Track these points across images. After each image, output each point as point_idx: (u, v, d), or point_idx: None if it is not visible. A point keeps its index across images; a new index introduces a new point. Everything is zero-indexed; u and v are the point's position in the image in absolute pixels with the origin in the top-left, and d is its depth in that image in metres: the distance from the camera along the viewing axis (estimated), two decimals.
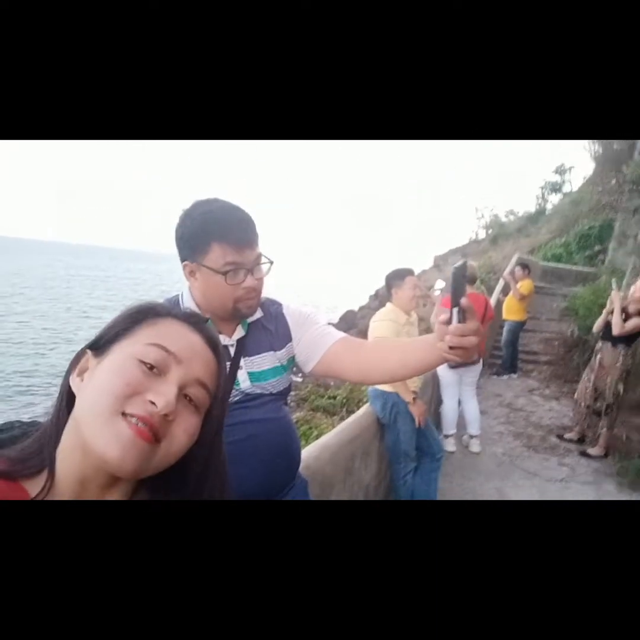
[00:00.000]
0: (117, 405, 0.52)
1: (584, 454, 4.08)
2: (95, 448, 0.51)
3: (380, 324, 2.79)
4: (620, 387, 3.92)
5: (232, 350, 1.12)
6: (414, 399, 2.74)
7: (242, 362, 1.12)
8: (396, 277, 2.86)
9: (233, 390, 1.09)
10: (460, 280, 0.85)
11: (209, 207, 1.05)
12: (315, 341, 1.17)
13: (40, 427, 0.58)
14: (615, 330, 3.82)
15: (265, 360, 1.15)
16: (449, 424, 4.07)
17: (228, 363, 1.07)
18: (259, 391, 1.14)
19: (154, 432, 0.52)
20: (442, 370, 3.95)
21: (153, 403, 0.52)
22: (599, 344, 4.13)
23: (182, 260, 1.08)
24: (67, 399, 0.57)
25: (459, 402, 4.12)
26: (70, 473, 0.54)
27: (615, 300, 3.86)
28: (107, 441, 0.51)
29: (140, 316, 0.58)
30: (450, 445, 4.00)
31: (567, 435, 4.45)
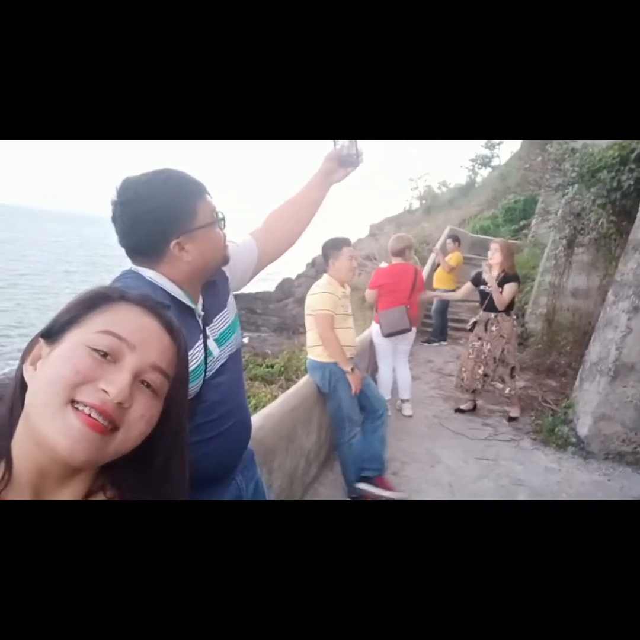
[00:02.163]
0: (66, 394, 0.50)
1: (510, 419, 4.29)
2: (45, 439, 0.50)
3: (320, 297, 2.81)
4: (517, 353, 4.30)
5: (201, 321, 1.05)
6: (352, 368, 2.83)
7: (208, 330, 1.07)
8: (333, 248, 2.85)
9: (210, 363, 1.04)
10: None
11: (164, 175, 0.97)
12: (245, 260, 1.23)
13: None
14: (500, 305, 3.99)
15: (221, 320, 1.12)
16: (385, 390, 4.21)
17: (200, 334, 1.03)
18: (226, 355, 1.11)
19: (109, 420, 0.51)
20: (378, 339, 4.07)
21: (105, 391, 0.51)
22: (485, 314, 4.19)
23: (165, 240, 0.96)
24: (21, 389, 0.54)
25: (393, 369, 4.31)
26: (27, 464, 0.52)
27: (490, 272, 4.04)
28: (56, 432, 0.49)
29: (92, 302, 0.56)
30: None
31: (463, 406, 4.52)
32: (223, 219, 1.04)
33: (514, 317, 4.19)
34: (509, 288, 4.00)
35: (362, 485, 2.87)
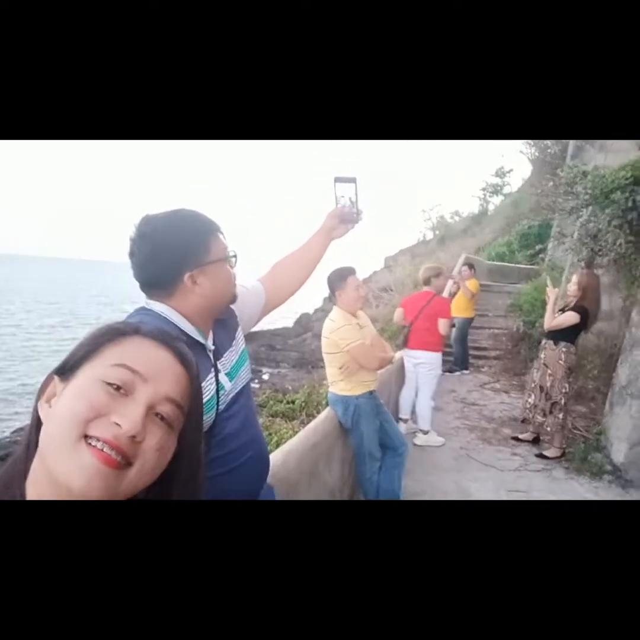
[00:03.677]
0: (80, 430, 0.50)
1: (541, 456, 4.04)
2: (59, 477, 0.49)
3: (342, 332, 2.75)
4: (567, 386, 3.90)
5: (211, 355, 1.09)
6: (390, 357, 2.89)
7: (219, 365, 1.10)
8: (337, 279, 2.81)
9: (222, 396, 1.06)
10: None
11: (181, 213, 1.04)
12: (254, 302, 1.31)
13: (10, 458, 0.55)
14: (546, 324, 3.95)
15: (231, 355, 1.15)
16: (403, 410, 4.52)
17: (211, 368, 1.05)
18: (237, 388, 1.13)
19: (122, 455, 0.50)
20: (406, 363, 4.46)
21: (118, 424, 0.50)
22: (543, 342, 4.18)
23: (179, 273, 1.01)
24: (37, 427, 0.54)
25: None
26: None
27: (550, 296, 4.00)
28: (71, 469, 0.49)
29: (104, 338, 0.57)
30: (403, 428, 4.26)
31: (522, 436, 4.43)
32: (235, 257, 1.09)
33: (565, 349, 3.88)
34: (567, 316, 3.84)
35: None
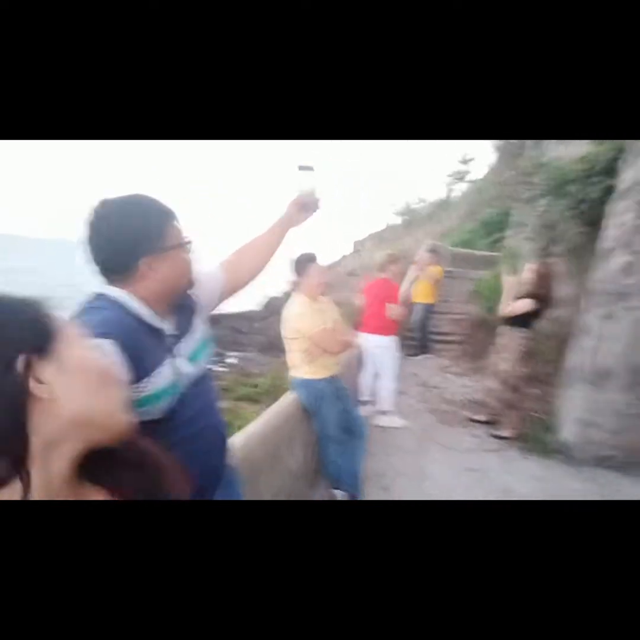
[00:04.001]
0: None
1: (497, 436, 4.21)
2: (97, 420, 0.56)
3: (300, 320, 2.80)
4: (523, 369, 4.06)
5: (169, 340, 1.10)
6: (348, 340, 2.94)
7: (176, 349, 1.11)
8: (299, 265, 2.85)
9: (180, 381, 1.08)
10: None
11: (137, 198, 1.04)
12: (212, 287, 1.32)
13: None
14: (501, 311, 4.10)
15: (190, 340, 1.17)
16: (363, 392, 4.62)
17: (167, 354, 1.07)
18: (197, 373, 1.15)
19: None
20: (364, 347, 4.48)
21: None
22: (501, 328, 4.30)
23: (134, 258, 1.02)
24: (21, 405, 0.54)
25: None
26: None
27: (505, 283, 4.15)
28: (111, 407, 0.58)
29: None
30: (364, 411, 4.34)
31: (480, 418, 4.59)
32: (190, 243, 1.10)
33: (521, 334, 4.03)
34: (522, 303, 3.97)
35: (337, 492, 2.97)
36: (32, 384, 0.51)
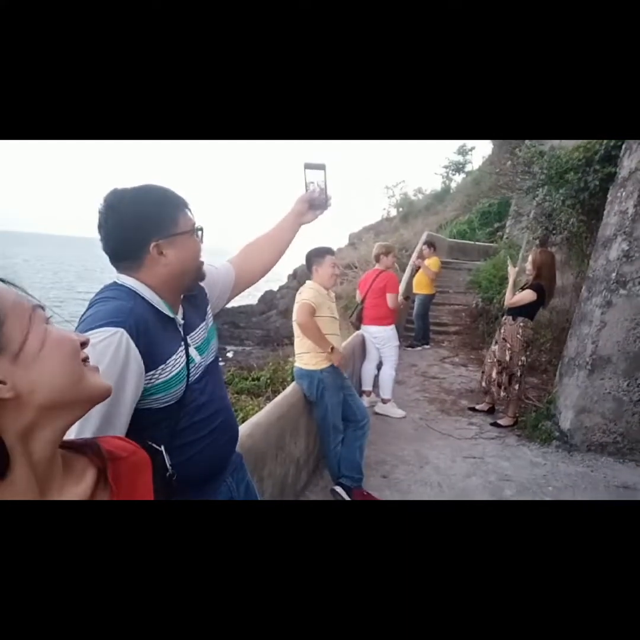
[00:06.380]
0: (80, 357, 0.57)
1: (495, 424, 4.26)
2: (83, 394, 0.55)
3: (304, 291, 2.99)
4: (523, 359, 4.10)
5: (182, 330, 1.11)
6: (332, 348, 2.92)
7: (188, 339, 1.12)
8: (317, 256, 3.05)
9: (192, 369, 1.09)
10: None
11: (148, 187, 1.05)
12: (223, 282, 1.35)
13: None
14: (506, 301, 4.14)
15: (201, 331, 1.19)
16: (365, 383, 4.72)
17: (182, 342, 1.08)
18: (206, 362, 1.17)
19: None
20: (366, 338, 4.62)
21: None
22: (502, 318, 4.34)
23: (145, 243, 1.02)
24: None
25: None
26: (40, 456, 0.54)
27: (510, 274, 4.20)
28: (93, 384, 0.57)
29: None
30: (366, 401, 4.44)
31: (478, 406, 4.65)
32: (201, 230, 1.11)
33: (522, 324, 4.06)
34: (524, 294, 4.01)
35: (338, 489, 2.95)
36: None
